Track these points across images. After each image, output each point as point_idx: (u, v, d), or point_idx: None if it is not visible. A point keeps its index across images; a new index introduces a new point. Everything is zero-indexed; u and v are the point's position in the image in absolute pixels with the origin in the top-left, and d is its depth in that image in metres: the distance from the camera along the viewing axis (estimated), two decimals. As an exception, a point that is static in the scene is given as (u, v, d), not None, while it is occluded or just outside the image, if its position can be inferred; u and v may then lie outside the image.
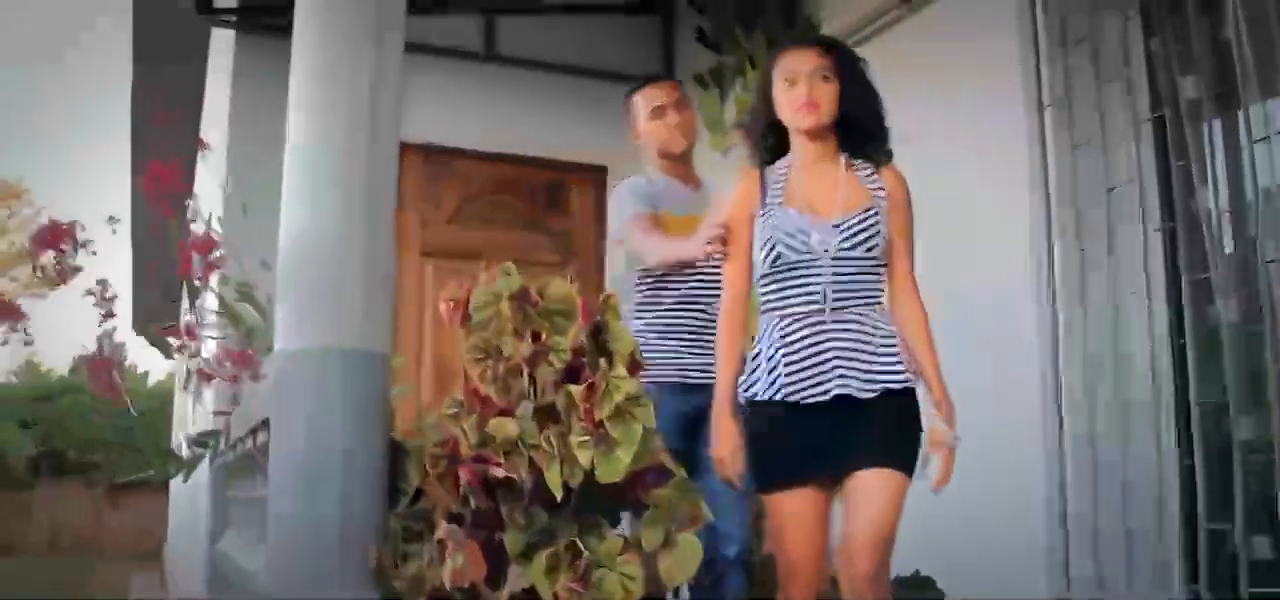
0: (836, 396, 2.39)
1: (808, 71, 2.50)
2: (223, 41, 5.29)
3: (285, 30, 2.50)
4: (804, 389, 2.41)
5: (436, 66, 5.15)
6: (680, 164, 3.26)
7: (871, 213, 2.49)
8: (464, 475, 2.14)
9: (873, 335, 2.44)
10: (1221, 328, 3.14)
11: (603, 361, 2.17)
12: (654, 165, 3.26)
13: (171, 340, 2.67)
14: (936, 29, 4.08)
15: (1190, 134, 3.25)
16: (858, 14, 4.32)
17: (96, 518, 16.88)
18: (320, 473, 2.15)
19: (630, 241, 3.10)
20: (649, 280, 3.14)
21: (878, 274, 2.51)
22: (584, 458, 2.13)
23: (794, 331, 2.45)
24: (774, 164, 2.60)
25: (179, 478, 2.55)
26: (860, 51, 2.68)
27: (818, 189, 2.52)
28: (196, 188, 4.04)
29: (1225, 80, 3.17)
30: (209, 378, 2.48)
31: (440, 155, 5.14)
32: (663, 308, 3.13)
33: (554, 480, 2.12)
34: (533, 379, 2.31)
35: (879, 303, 2.49)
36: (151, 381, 21.21)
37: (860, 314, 2.45)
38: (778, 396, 2.43)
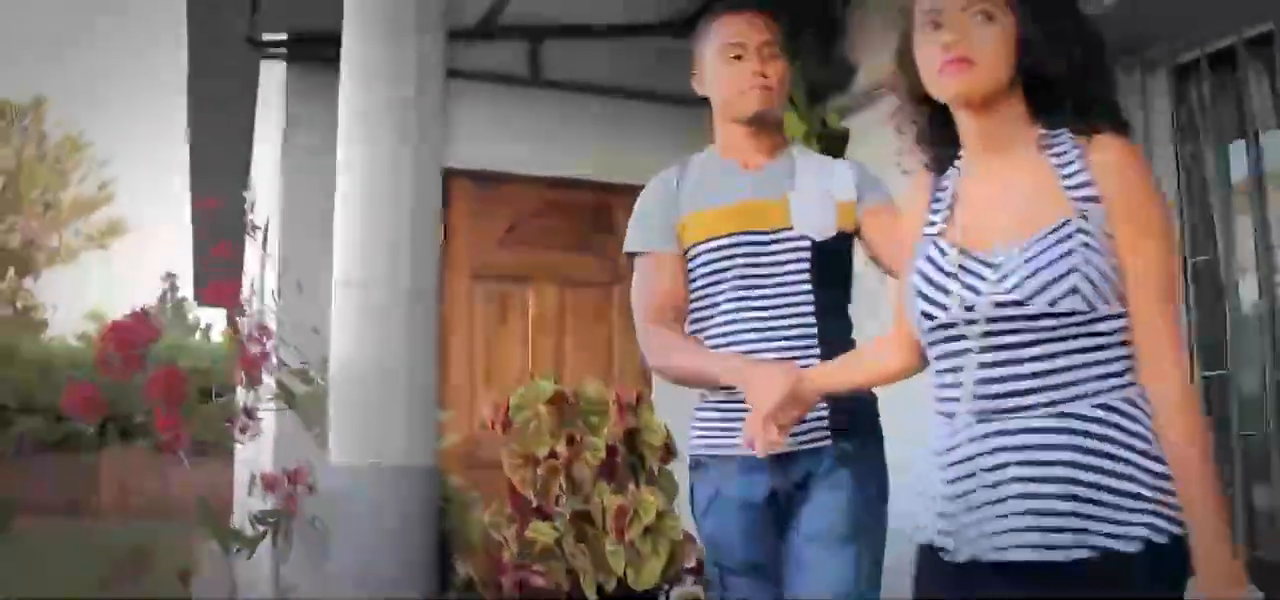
0: (1015, 561, 1.50)
1: (960, 7, 1.60)
2: (274, 75, 5.46)
3: (335, 61, 2.67)
4: (963, 539, 1.56)
5: (484, 92, 5.28)
6: (754, 137, 2.37)
7: (1064, 233, 1.55)
8: (506, 583, 2.29)
9: (1091, 449, 1.49)
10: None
11: (631, 485, 2.29)
12: (716, 137, 2.45)
13: (233, 431, 2.83)
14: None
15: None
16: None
17: (164, 481, 17.38)
18: (372, 571, 2.31)
19: (635, 306, 2.39)
20: (694, 312, 2.33)
21: (1088, 342, 1.53)
22: (617, 566, 2.27)
23: (946, 445, 1.61)
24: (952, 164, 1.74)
25: (242, 554, 2.73)
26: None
27: (982, 201, 1.66)
28: (248, 259, 4.18)
29: None
30: (272, 486, 2.64)
31: (488, 180, 5.27)
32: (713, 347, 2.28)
33: (589, 588, 2.26)
34: (570, 477, 2.45)
35: (1101, 394, 1.52)
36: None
37: (1059, 417, 1.51)
38: (931, 543, 1.63)
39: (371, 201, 2.33)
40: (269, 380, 2.82)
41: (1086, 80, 1.63)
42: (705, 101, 2.58)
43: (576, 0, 5.18)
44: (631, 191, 5.48)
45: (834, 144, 4.47)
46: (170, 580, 10.62)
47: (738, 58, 2.34)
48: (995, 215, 1.62)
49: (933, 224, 1.70)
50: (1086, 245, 1.52)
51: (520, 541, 2.34)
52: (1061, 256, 1.52)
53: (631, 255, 2.45)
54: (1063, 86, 1.62)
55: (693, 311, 2.34)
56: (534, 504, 2.37)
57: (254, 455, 5.63)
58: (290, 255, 4.29)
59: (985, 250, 1.60)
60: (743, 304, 2.27)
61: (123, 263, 50.60)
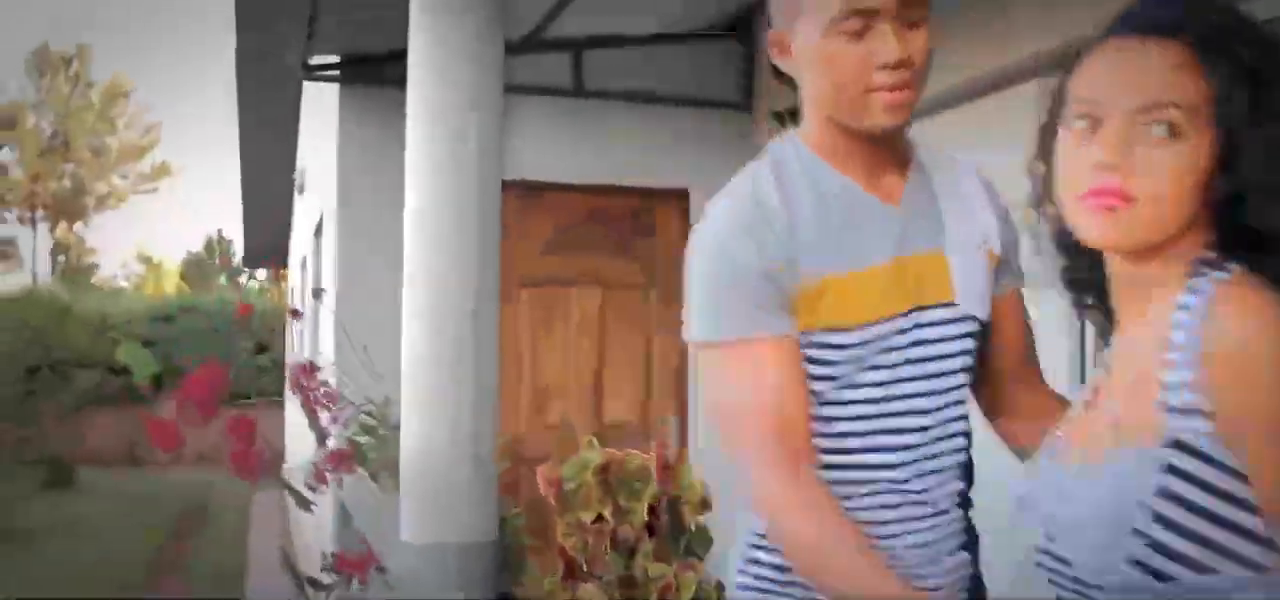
0: None
1: (1131, 110, 1.12)
2: (328, 96, 5.68)
3: (388, 82, 2.86)
4: None
5: (529, 105, 5.48)
6: (883, 144, 1.56)
7: (1133, 470, 1.12)
8: (559, 645, 2.55)
9: None
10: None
11: (674, 563, 2.52)
12: (810, 135, 1.60)
13: (312, 484, 3.09)
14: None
15: None
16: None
17: (217, 431, 17.87)
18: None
19: (736, 424, 1.53)
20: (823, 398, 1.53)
21: None
22: (658, 630, 2.51)
23: None
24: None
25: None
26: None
27: (1102, 376, 1.26)
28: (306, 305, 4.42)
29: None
30: (345, 567, 2.89)
31: (533, 189, 5.49)
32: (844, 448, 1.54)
33: (634, 651, 2.51)
34: (615, 539, 2.69)
35: None
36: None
37: None
38: None
39: (435, 313, 2.56)
40: (335, 436, 3.08)
41: None
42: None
43: (617, 11, 5.35)
44: (669, 196, 5.77)
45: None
46: (229, 535, 11.10)
47: (859, 33, 1.47)
48: (1101, 402, 1.20)
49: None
50: (1169, 494, 1.07)
51: (572, 603, 2.59)
52: (1121, 511, 1.08)
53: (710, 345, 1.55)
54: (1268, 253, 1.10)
55: None
56: (584, 568, 2.61)
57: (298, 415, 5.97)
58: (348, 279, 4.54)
59: (1067, 459, 1.20)
60: (881, 417, 1.54)
61: (169, 203, 51.43)
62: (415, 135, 2.86)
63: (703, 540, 2.76)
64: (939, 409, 1.55)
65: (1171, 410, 1.08)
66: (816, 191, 1.56)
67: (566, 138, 5.53)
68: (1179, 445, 1.07)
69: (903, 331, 1.54)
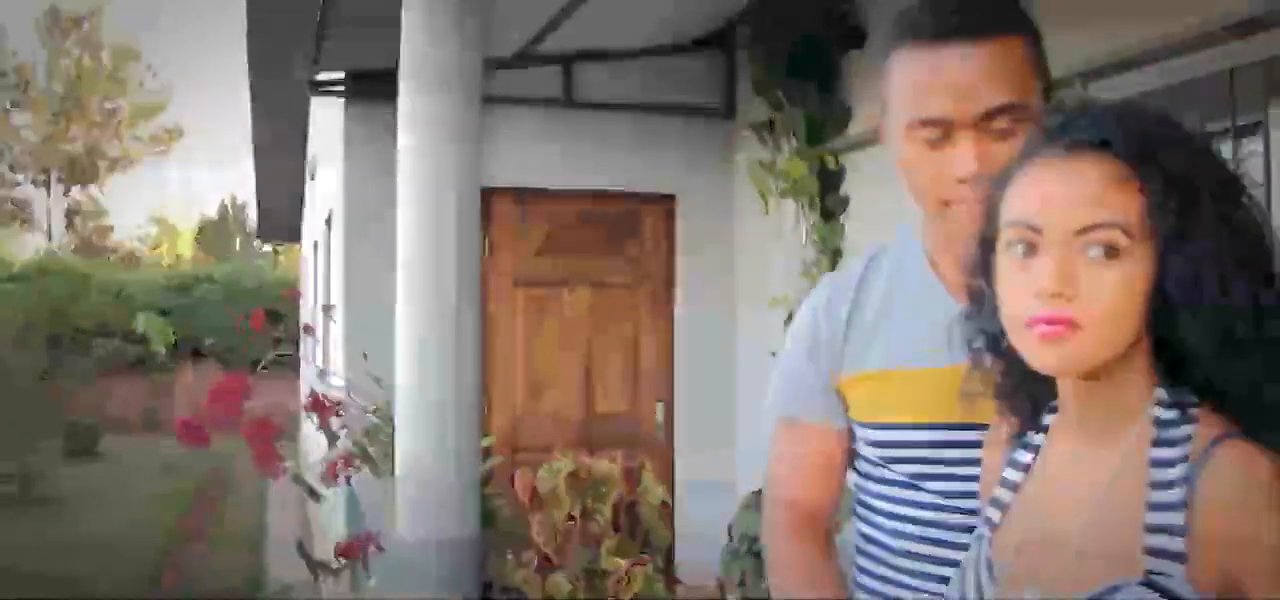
0: None
1: (1069, 233, 1.09)
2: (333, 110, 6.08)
3: (392, 98, 3.18)
4: None
5: (524, 115, 5.87)
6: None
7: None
8: (533, 629, 3.00)
9: None
10: None
11: (622, 561, 2.97)
12: (918, 224, 1.56)
13: (325, 480, 3.54)
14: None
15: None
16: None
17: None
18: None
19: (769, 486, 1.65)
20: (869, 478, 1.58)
21: None
22: (618, 618, 2.96)
23: None
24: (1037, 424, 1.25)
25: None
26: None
27: (1050, 502, 1.18)
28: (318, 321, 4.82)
29: None
30: (348, 553, 3.34)
31: (527, 195, 5.90)
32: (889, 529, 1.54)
33: (595, 633, 2.96)
34: (584, 537, 3.14)
35: None
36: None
37: None
38: None
39: (420, 325, 3.00)
40: (345, 436, 3.53)
41: (1249, 365, 1.07)
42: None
43: (605, 26, 5.72)
44: (656, 200, 6.18)
45: (831, 181, 5.03)
46: (248, 503, 11.58)
47: (937, 143, 1.41)
48: (1055, 534, 1.13)
49: (992, 512, 1.23)
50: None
51: (543, 592, 3.04)
52: None
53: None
54: (1209, 368, 1.08)
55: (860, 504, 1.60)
56: (554, 562, 3.06)
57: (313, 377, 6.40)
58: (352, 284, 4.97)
59: (1020, 589, 1.12)
60: (934, 527, 1.48)
61: (182, 165, 51.84)
62: (402, 155, 3.21)
63: (661, 539, 3.21)
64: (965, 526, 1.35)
65: (1150, 552, 1.04)
66: (893, 283, 1.54)
67: (558, 146, 5.93)
68: (1152, 585, 1.03)
69: (944, 444, 1.44)
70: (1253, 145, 3.04)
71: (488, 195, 4.79)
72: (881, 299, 1.54)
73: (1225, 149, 3.08)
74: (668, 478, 5.66)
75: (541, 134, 5.90)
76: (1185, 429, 1.08)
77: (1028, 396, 1.21)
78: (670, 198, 6.04)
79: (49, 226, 34.30)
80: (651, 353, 6.03)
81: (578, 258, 5.95)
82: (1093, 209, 1.08)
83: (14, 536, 9.57)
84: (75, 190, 35.32)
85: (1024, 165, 1.15)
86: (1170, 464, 1.07)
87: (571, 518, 3.11)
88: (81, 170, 34.67)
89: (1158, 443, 1.08)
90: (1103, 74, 3.31)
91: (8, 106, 32.91)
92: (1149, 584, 1.04)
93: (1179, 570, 1.03)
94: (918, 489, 1.48)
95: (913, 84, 1.43)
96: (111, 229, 37.58)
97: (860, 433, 1.55)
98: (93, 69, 33.92)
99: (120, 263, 29.54)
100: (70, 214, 35.69)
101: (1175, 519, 1.04)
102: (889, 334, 1.51)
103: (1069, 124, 1.14)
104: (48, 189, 34.67)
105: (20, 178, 34.37)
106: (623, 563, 2.95)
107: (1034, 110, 1.38)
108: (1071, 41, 3.47)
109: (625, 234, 6.06)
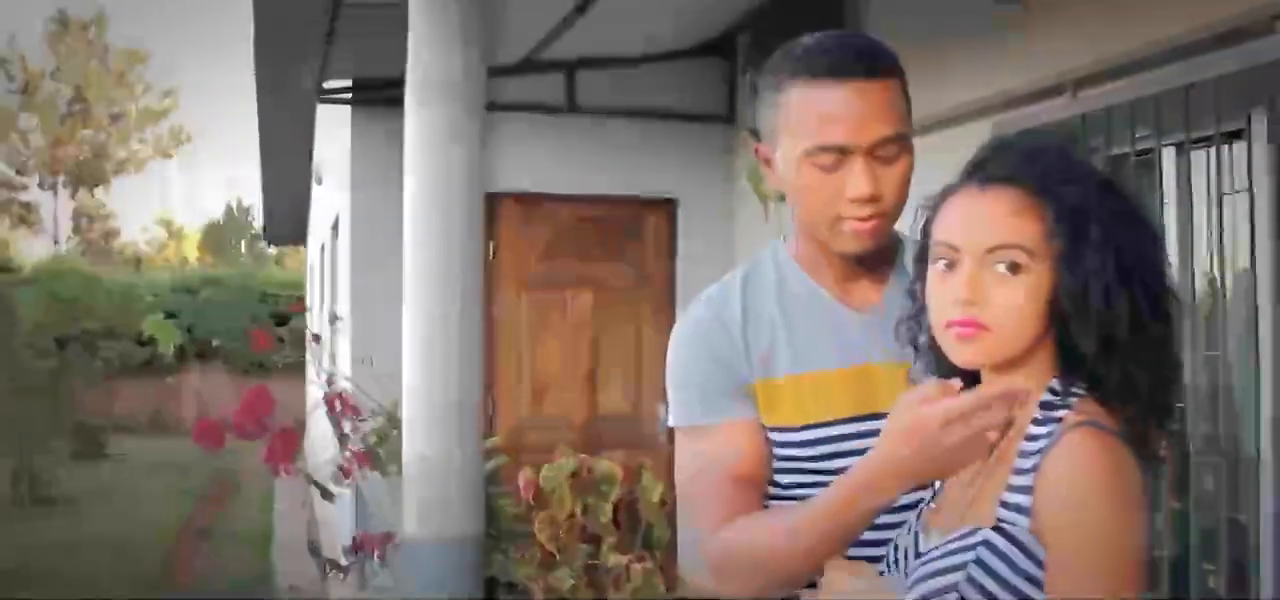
0: None
1: (981, 252, 1.31)
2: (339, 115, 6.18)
3: (397, 104, 3.25)
4: None
5: (528, 121, 5.97)
6: (848, 257, 1.63)
7: (969, 545, 1.30)
8: (535, 622, 3.09)
9: None
10: None
11: (622, 558, 3.05)
12: (792, 243, 1.71)
13: (340, 475, 3.64)
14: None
15: None
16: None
17: (239, 399, 18.52)
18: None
19: (691, 506, 1.69)
20: None
21: None
22: (616, 611, 3.05)
23: None
24: None
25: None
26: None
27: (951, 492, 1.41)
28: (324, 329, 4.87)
29: None
30: (362, 547, 3.43)
31: (531, 199, 5.99)
32: None
33: (596, 626, 3.05)
34: (585, 534, 3.23)
35: None
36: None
37: None
38: None
39: (423, 330, 3.09)
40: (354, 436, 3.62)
41: (1129, 363, 1.29)
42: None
43: (607, 34, 5.81)
44: (657, 203, 6.26)
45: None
46: (254, 505, 11.67)
47: (831, 168, 1.55)
48: (952, 489, 1.38)
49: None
50: (982, 565, 1.26)
51: (546, 587, 3.12)
52: (955, 569, 1.28)
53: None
54: (1093, 364, 1.30)
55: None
56: (557, 558, 3.14)
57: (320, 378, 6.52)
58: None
59: (927, 531, 1.38)
60: None
61: (189, 169, 52.05)
62: (408, 160, 3.30)
63: (660, 536, 3.29)
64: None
65: (1005, 505, 1.28)
66: (783, 297, 1.68)
67: (561, 151, 6.03)
68: (999, 530, 1.27)
69: (857, 437, 1.56)
70: (1237, 151, 3.13)
71: (492, 200, 4.88)
72: (774, 311, 1.67)
73: (1209, 156, 3.16)
74: (668, 477, 5.73)
75: (545, 139, 5.99)
76: (1060, 413, 1.29)
77: (960, 380, 1.38)
78: (671, 202, 6.15)
79: (56, 230, 34.46)
80: (653, 355, 6.12)
81: (581, 261, 6.05)
82: (1000, 232, 1.30)
83: (23, 536, 9.65)
84: (82, 193, 35.44)
85: (949, 195, 1.38)
86: (1037, 438, 1.29)
87: (573, 515, 3.20)
88: (89, 173, 34.80)
89: (1034, 420, 1.30)
90: (1095, 81, 3.40)
91: (16, 109, 33.04)
92: (999, 530, 1.27)
93: (1024, 522, 1.25)
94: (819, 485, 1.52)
95: (816, 115, 1.55)
96: (118, 232, 37.73)
97: (783, 438, 1.63)
98: (100, 73, 34.04)
99: (127, 265, 29.65)
100: (77, 217, 35.82)
101: (1026, 481, 1.27)
102: (793, 342, 1.65)
103: (985, 161, 1.37)
104: (55, 192, 34.82)
105: (28, 181, 34.50)
106: (623, 559, 3.04)
107: (908, 140, 1.58)
108: (1058, 50, 3.57)
109: (627, 237, 6.15)
